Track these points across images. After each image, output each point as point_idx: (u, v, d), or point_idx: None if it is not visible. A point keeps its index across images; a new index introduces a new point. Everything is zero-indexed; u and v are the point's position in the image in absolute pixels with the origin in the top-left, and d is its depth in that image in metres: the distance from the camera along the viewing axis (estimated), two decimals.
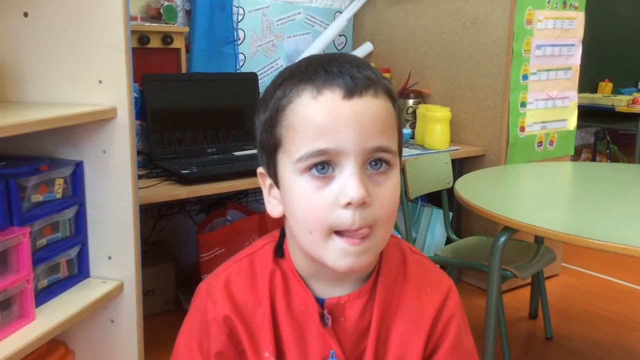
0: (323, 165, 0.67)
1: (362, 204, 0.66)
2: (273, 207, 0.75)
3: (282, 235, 0.79)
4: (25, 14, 1.34)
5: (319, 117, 0.66)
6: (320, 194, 0.67)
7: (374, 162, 0.68)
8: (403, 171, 2.19)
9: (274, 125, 0.70)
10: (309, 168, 0.67)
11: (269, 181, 0.75)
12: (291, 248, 0.77)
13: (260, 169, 0.77)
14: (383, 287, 0.76)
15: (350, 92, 0.66)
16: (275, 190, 0.75)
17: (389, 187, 0.69)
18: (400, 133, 0.74)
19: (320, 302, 0.75)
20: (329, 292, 0.76)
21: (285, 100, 0.69)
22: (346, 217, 0.66)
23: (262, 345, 0.75)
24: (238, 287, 0.77)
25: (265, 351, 0.75)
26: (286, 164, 0.70)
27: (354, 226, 0.66)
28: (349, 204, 0.66)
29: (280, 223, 0.78)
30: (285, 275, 0.77)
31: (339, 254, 0.68)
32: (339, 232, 0.68)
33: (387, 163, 0.69)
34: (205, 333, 0.77)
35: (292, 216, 0.71)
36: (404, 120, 2.85)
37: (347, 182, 0.66)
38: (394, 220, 0.72)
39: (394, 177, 0.70)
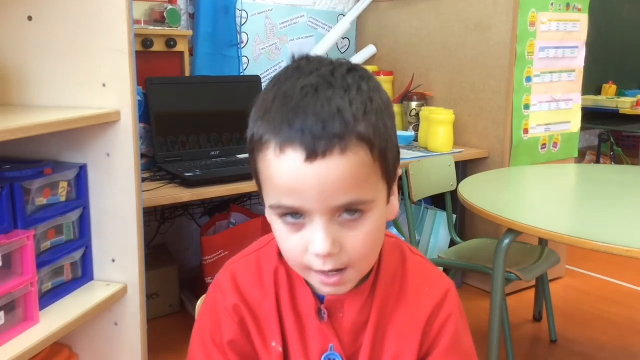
0: (294, 214, 0.67)
1: (329, 256, 0.67)
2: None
3: None
4: (30, 18, 1.34)
5: (282, 178, 0.65)
6: (294, 237, 0.69)
7: (346, 211, 0.66)
8: (406, 174, 2.19)
9: (254, 161, 0.70)
10: (282, 215, 0.68)
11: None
12: None
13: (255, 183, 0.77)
14: (382, 286, 0.78)
15: (313, 155, 0.63)
16: None
17: (363, 232, 0.68)
18: (385, 166, 0.69)
19: (321, 299, 0.77)
20: None
21: (257, 145, 0.68)
22: (317, 262, 0.68)
23: (269, 335, 0.77)
24: (245, 281, 0.80)
25: (273, 341, 0.77)
26: (266, 201, 0.71)
27: (326, 268, 0.68)
28: (317, 255, 0.67)
29: None
30: (288, 272, 0.79)
31: (319, 284, 0.71)
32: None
33: (361, 211, 0.67)
34: (217, 324, 0.79)
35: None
36: (408, 122, 2.85)
37: (313, 235, 0.66)
38: (375, 254, 0.73)
39: (371, 220, 0.68)
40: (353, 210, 0.67)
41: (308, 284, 0.78)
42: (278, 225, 0.70)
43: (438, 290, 0.79)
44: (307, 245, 0.67)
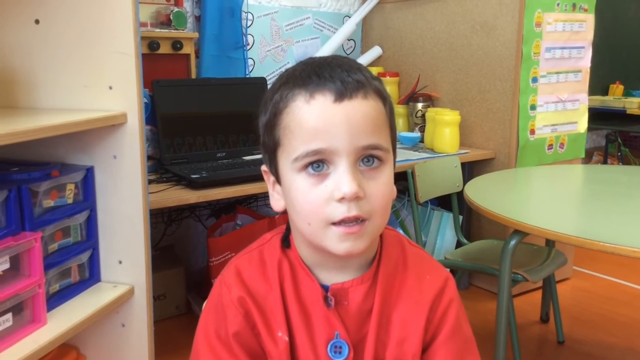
0: (318, 163, 0.72)
1: (356, 198, 0.71)
2: (276, 201, 0.81)
3: (288, 228, 0.84)
4: (37, 21, 1.35)
5: (312, 120, 0.71)
6: (316, 189, 0.72)
7: (367, 159, 0.73)
8: (412, 175, 2.18)
9: (273, 127, 0.75)
10: (305, 166, 0.72)
11: (272, 178, 0.80)
12: (296, 240, 0.82)
13: (263, 167, 0.82)
14: (384, 274, 0.81)
15: (341, 96, 0.71)
16: (278, 186, 0.80)
17: (382, 181, 0.74)
18: (392, 130, 0.78)
19: (325, 288, 0.80)
20: (333, 279, 0.80)
21: (282, 105, 0.74)
22: (341, 209, 0.71)
23: (275, 326, 0.79)
24: (249, 275, 0.81)
25: (279, 331, 0.79)
26: (285, 162, 0.75)
27: (350, 214, 0.71)
28: (343, 198, 0.70)
29: (287, 218, 0.82)
30: (292, 264, 0.82)
31: (337, 240, 0.73)
32: (335, 223, 0.72)
33: (379, 159, 0.74)
34: (222, 317, 0.80)
35: (292, 209, 0.77)
36: (413, 123, 2.85)
37: (340, 178, 0.71)
38: (389, 211, 0.76)
39: (387, 172, 0.75)
40: (373, 157, 0.73)
41: (313, 274, 0.80)
42: (299, 181, 0.73)
43: (438, 277, 0.83)
44: (331, 194, 0.71)
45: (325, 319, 0.78)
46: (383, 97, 0.75)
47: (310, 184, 0.72)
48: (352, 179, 0.70)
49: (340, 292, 0.79)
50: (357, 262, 0.80)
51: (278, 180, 0.79)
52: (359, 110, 0.72)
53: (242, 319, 0.79)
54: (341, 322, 0.78)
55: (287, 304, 0.80)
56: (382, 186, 0.73)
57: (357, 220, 0.72)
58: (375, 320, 0.79)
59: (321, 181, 0.72)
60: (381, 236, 0.82)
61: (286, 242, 0.83)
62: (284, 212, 0.80)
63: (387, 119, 0.76)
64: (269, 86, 2.76)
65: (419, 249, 0.88)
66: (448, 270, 1.97)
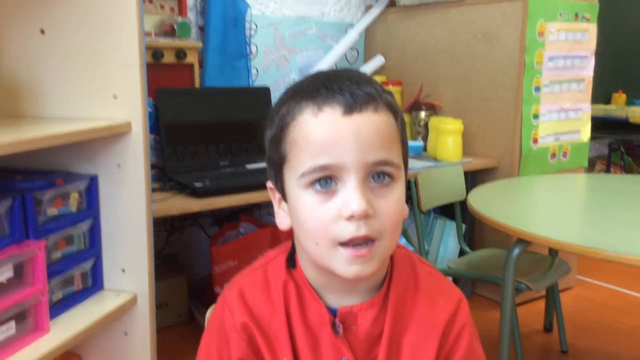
0: (326, 180, 0.69)
1: (365, 216, 0.68)
2: (282, 219, 0.77)
3: (294, 247, 0.81)
4: (42, 31, 1.36)
5: (319, 134, 0.68)
6: (324, 207, 0.69)
7: (377, 175, 0.70)
8: (415, 183, 2.19)
9: (279, 142, 0.72)
10: (312, 183, 0.69)
11: (277, 195, 0.77)
12: (302, 260, 0.79)
13: (269, 183, 0.79)
14: (395, 297, 0.77)
15: (350, 109, 0.68)
16: (284, 204, 0.77)
17: (392, 199, 0.70)
18: (404, 145, 0.75)
19: (333, 311, 0.76)
20: (341, 302, 0.77)
21: (289, 118, 0.71)
22: (350, 228, 0.68)
23: (280, 352, 0.76)
24: (253, 297, 0.78)
25: (284, 357, 0.76)
26: (291, 178, 0.72)
27: (359, 233, 0.68)
28: (351, 216, 0.67)
29: (292, 235, 0.80)
30: (297, 285, 0.78)
31: (346, 262, 0.70)
32: (343, 244, 0.69)
33: (390, 176, 0.70)
34: (225, 342, 0.78)
35: (299, 228, 0.74)
36: (416, 132, 2.85)
37: (349, 195, 0.68)
38: (399, 231, 0.73)
39: (398, 189, 0.72)
40: (383, 173, 0.70)
41: (320, 296, 0.77)
42: (306, 198, 0.70)
43: (451, 300, 0.80)
44: (339, 212, 0.68)
45: (332, 344, 0.75)
46: (395, 110, 0.72)
47: (317, 201, 0.69)
48: (361, 196, 0.67)
49: (348, 317, 0.76)
50: (366, 284, 0.76)
51: (284, 197, 0.75)
52: (369, 123, 0.68)
53: (245, 345, 0.76)
54: (349, 347, 0.75)
55: (292, 328, 0.76)
56: (392, 204, 0.70)
57: (367, 240, 0.68)
58: (385, 346, 0.75)
59: (329, 198, 0.69)
60: (391, 256, 0.79)
61: (292, 262, 0.80)
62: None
63: (398, 134, 0.73)
64: (272, 95, 2.77)
65: (431, 267, 0.84)
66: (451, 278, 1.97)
